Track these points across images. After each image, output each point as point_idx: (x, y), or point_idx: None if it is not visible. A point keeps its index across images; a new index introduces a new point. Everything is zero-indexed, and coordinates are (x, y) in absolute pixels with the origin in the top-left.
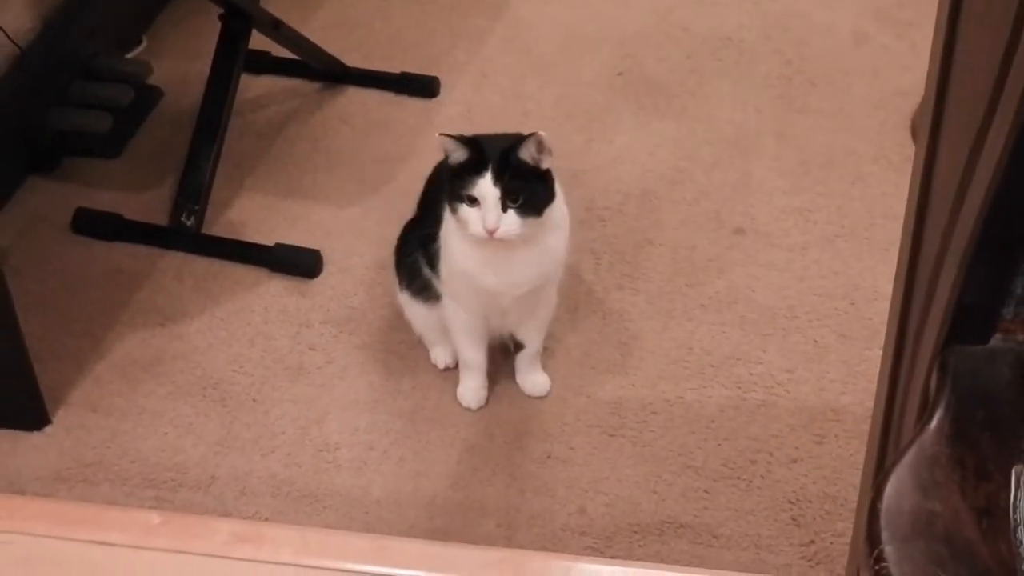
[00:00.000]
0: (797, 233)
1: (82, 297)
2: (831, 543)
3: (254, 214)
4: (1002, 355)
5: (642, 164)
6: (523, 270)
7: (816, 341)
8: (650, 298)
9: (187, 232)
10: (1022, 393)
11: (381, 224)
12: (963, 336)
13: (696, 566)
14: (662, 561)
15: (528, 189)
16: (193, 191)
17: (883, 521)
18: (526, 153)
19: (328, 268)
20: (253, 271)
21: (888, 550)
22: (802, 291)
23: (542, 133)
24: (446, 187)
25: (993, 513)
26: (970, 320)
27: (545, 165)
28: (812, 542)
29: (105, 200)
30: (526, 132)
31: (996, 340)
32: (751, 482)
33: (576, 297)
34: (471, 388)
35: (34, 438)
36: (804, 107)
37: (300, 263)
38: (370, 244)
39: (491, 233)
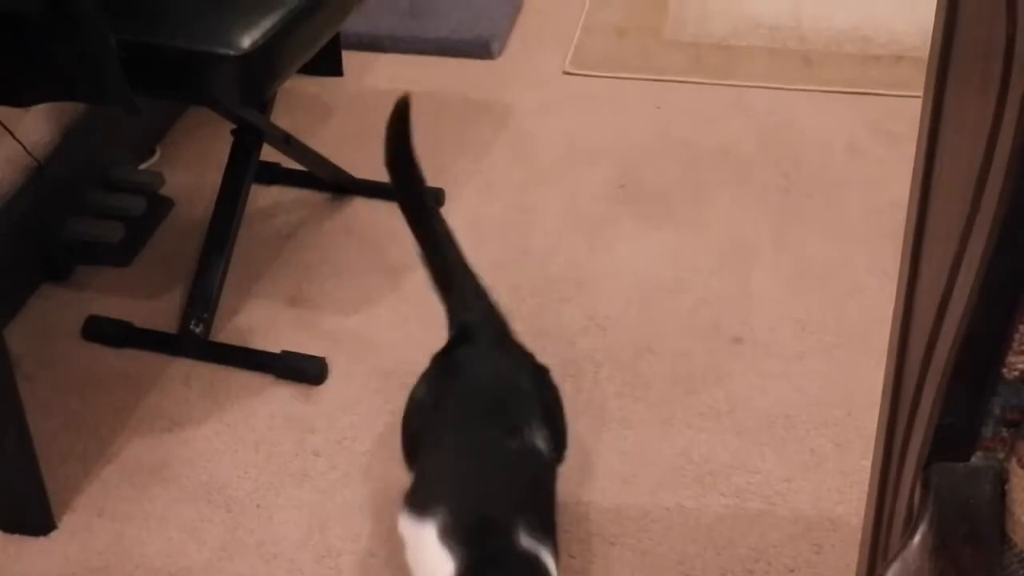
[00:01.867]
0: (794, 342)
1: (91, 401)
2: None
3: (261, 321)
4: (983, 472)
5: (642, 273)
6: None
7: (813, 450)
8: (649, 406)
9: (195, 339)
10: (1002, 509)
11: (385, 331)
12: (945, 453)
13: None
14: None
15: None
16: (202, 299)
17: None
18: None
19: (333, 375)
20: (259, 377)
21: None
22: (799, 400)
23: None
24: None
25: None
26: (951, 438)
27: None
28: None
29: (116, 307)
30: (529, 254)
31: (977, 457)
32: None
33: (576, 405)
34: None
35: (40, 543)
36: (801, 217)
37: (306, 370)
38: (375, 351)
39: None
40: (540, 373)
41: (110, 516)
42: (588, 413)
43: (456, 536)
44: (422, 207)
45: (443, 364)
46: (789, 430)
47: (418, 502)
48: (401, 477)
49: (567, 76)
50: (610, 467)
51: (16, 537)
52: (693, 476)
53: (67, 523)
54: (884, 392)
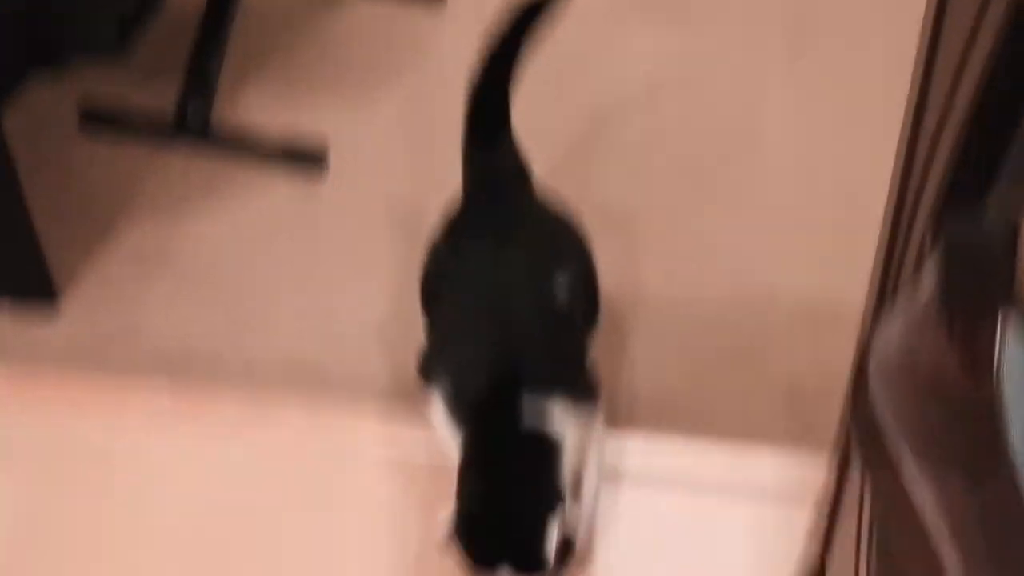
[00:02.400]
0: (804, 136)
1: (90, 193)
2: (823, 425)
3: (261, 111)
4: (994, 223)
5: (650, 68)
6: None
7: (819, 241)
8: (656, 197)
9: (194, 128)
10: (1011, 252)
11: (389, 126)
12: (959, 203)
13: (690, 444)
14: (657, 439)
15: (551, 563)
16: (200, 86)
17: (872, 365)
18: (550, 543)
19: (335, 166)
20: (259, 168)
21: (875, 389)
22: (808, 194)
23: (554, 530)
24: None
25: (978, 363)
26: (966, 183)
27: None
28: (803, 424)
29: (112, 96)
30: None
31: (990, 202)
32: (748, 368)
33: (583, 193)
34: None
35: (45, 324)
36: (816, 15)
37: (307, 160)
38: (379, 144)
39: None
40: (568, 224)
41: (114, 300)
42: (594, 205)
43: (459, 412)
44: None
45: (465, 209)
46: (796, 222)
47: (427, 369)
48: (401, 258)
49: None
50: (616, 256)
51: (23, 312)
52: (697, 263)
53: (71, 306)
54: (900, 141)
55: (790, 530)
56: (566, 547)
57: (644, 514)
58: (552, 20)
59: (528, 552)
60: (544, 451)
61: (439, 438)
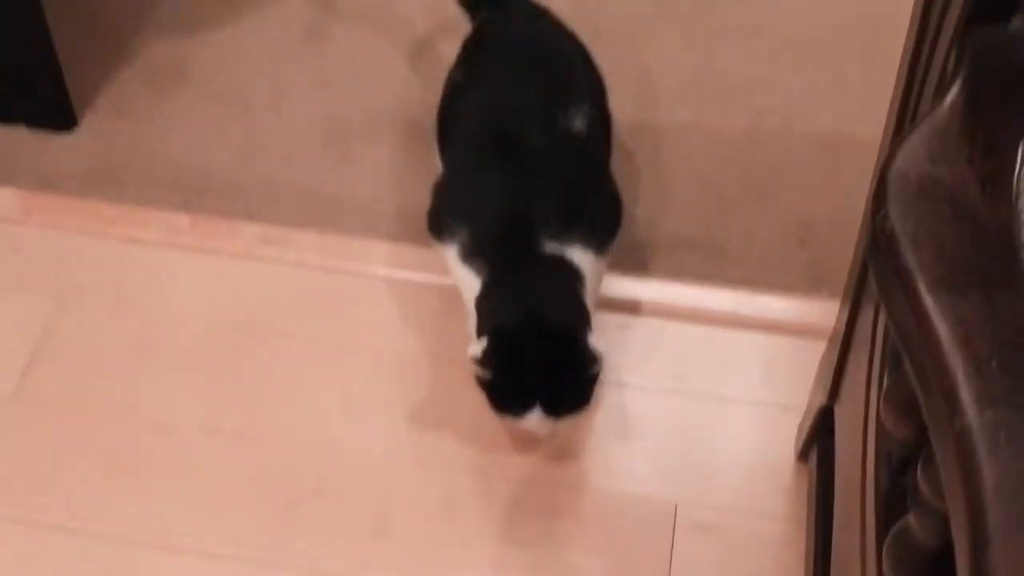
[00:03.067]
0: None
1: (105, 8)
2: (835, 264)
3: None
4: (1021, 36)
5: None
6: None
7: (837, 73)
8: (670, 20)
9: None
10: None
11: None
12: (984, 17)
13: (705, 281)
14: (673, 276)
15: (582, 395)
16: None
17: (891, 184)
18: (596, 353)
19: None
20: None
21: (894, 210)
22: (826, 24)
23: (600, 347)
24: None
25: (997, 181)
26: (991, 1)
27: (599, 369)
28: (817, 263)
29: None
30: None
31: (1016, 22)
32: (763, 204)
33: (596, 19)
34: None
35: (63, 139)
36: None
37: None
38: None
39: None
40: (582, 54)
41: (130, 115)
42: (610, 27)
43: (478, 257)
44: None
45: (475, 42)
46: (814, 52)
47: (438, 224)
48: (424, 74)
49: None
50: (628, 84)
51: (41, 133)
52: (714, 93)
53: (88, 121)
54: None
55: (804, 363)
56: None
57: (664, 344)
58: None
59: (569, 369)
60: (567, 275)
61: (456, 284)
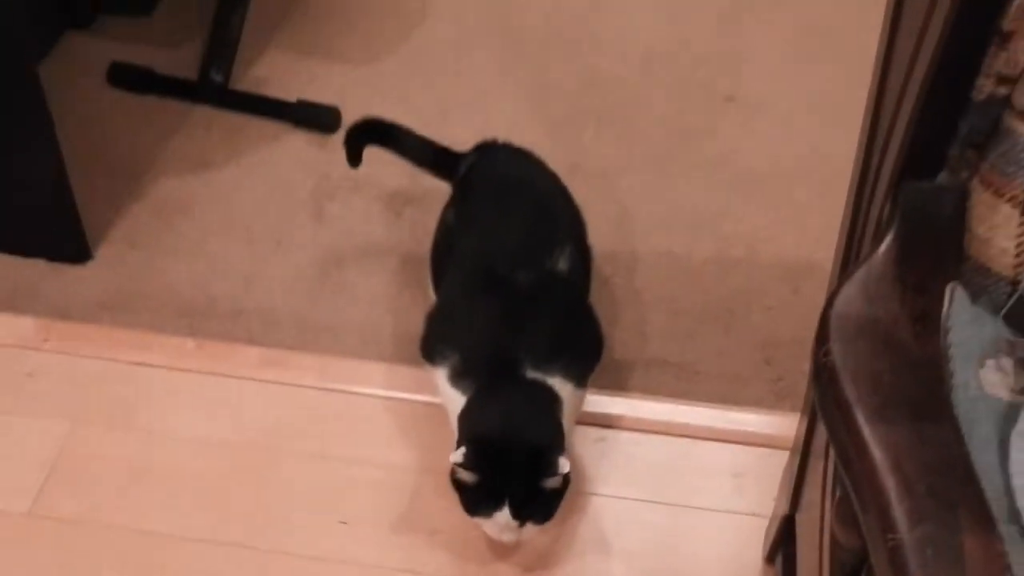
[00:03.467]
0: (784, 101)
1: (119, 145)
2: (797, 380)
3: (278, 71)
4: (947, 190)
5: (643, 33)
6: None
7: (796, 202)
8: (645, 159)
9: (215, 87)
10: (960, 223)
11: (397, 83)
12: (915, 172)
13: (677, 398)
14: (649, 393)
15: (546, 505)
16: (221, 48)
17: (832, 324)
18: (551, 483)
19: (346, 123)
20: (277, 124)
21: (835, 347)
22: (786, 156)
23: (565, 461)
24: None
25: (927, 320)
26: (921, 157)
27: (566, 482)
28: (781, 379)
29: (138, 55)
30: (531, 9)
31: (942, 177)
32: (730, 326)
33: (575, 156)
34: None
35: (78, 271)
36: None
37: (320, 119)
38: (387, 101)
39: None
40: (564, 196)
41: (142, 248)
42: (586, 164)
43: (465, 381)
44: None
45: (465, 184)
46: (774, 184)
47: (430, 350)
48: (410, 218)
49: None
50: (606, 214)
51: (58, 265)
52: (683, 224)
53: (102, 253)
54: (864, 115)
55: (771, 473)
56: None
57: (640, 456)
58: None
59: (536, 479)
60: (546, 399)
61: (443, 403)
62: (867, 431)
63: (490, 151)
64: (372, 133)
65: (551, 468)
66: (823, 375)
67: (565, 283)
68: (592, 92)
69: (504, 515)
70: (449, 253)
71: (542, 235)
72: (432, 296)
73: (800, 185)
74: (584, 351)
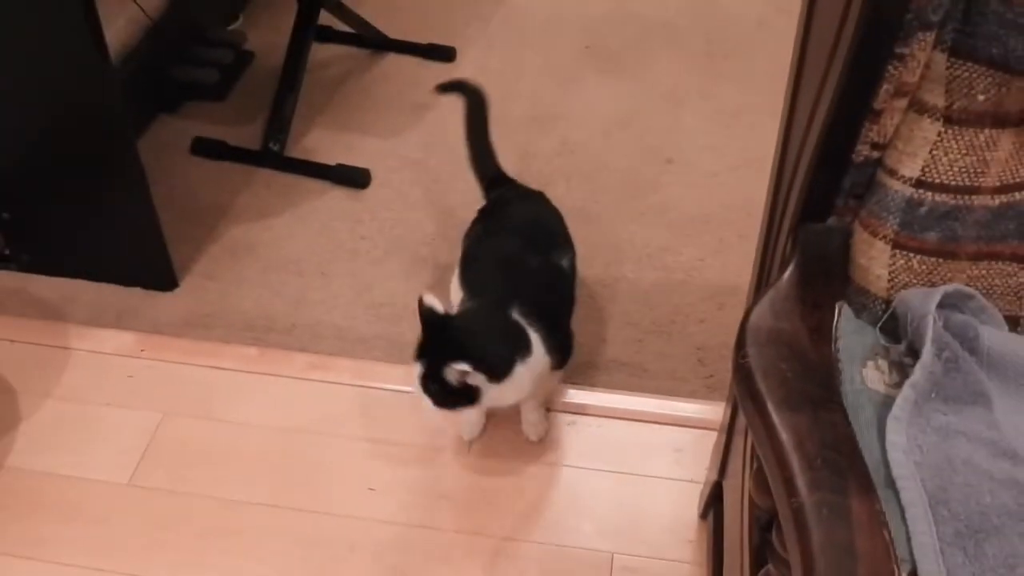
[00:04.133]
0: (711, 163)
1: (199, 200)
2: (724, 377)
3: (322, 143)
4: (835, 230)
5: (601, 111)
6: (477, 414)
7: (722, 240)
8: (605, 207)
9: (273, 155)
10: (846, 255)
11: (413, 152)
12: (810, 217)
13: (631, 391)
14: (609, 387)
15: (445, 393)
16: (278, 126)
17: (748, 334)
18: (449, 375)
19: (375, 182)
20: (320, 183)
21: (750, 351)
22: (713, 204)
23: (466, 368)
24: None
25: (821, 331)
26: (814, 207)
27: (471, 382)
28: (711, 376)
29: (214, 132)
30: (519, 97)
31: (832, 220)
32: (671, 335)
33: (563, 205)
34: (468, 427)
35: (167, 296)
36: (720, 73)
37: (355, 178)
38: (406, 166)
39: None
40: (561, 222)
41: (217, 279)
42: (561, 210)
43: (465, 289)
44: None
45: (486, 212)
46: (705, 225)
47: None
48: (424, 254)
49: None
50: (576, 250)
51: (152, 292)
52: (634, 256)
53: (186, 284)
54: (771, 175)
55: (704, 449)
56: (465, 391)
57: (603, 436)
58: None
59: (441, 365)
60: (513, 334)
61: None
62: (775, 417)
63: (515, 185)
64: (468, 93)
65: (453, 362)
66: (741, 373)
67: (561, 273)
68: (564, 156)
69: (419, 369)
70: (476, 255)
71: (547, 243)
72: (456, 291)
73: (724, 227)
74: (563, 337)
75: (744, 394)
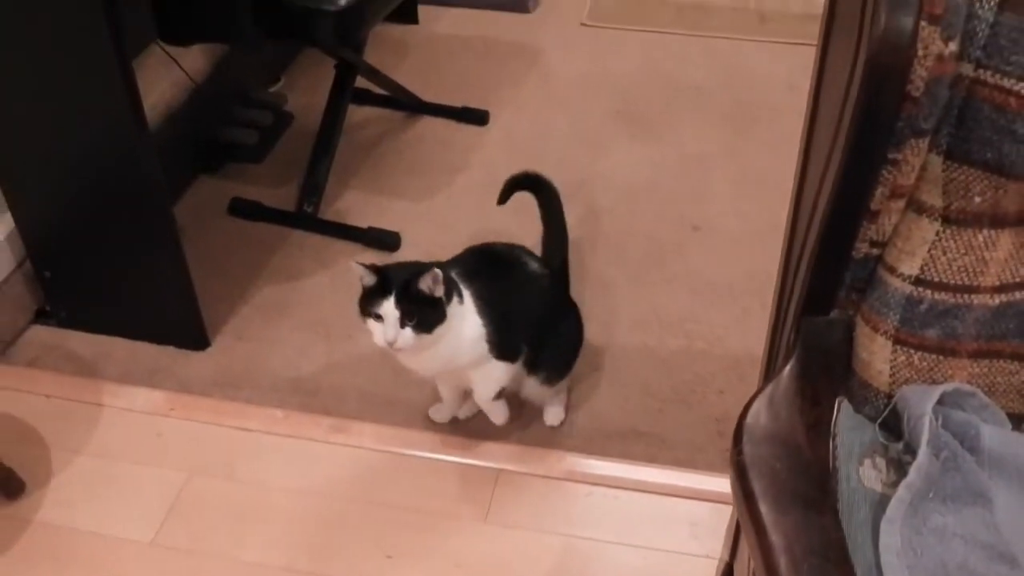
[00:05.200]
0: (737, 229)
1: (234, 259)
2: None
3: (355, 205)
4: (837, 323)
5: (629, 176)
6: (428, 363)
7: (745, 308)
8: (629, 273)
9: (308, 216)
10: (848, 349)
11: (444, 215)
12: (812, 310)
13: (648, 462)
14: (626, 458)
15: (421, 312)
16: (313, 188)
17: (744, 430)
18: (423, 284)
19: (405, 244)
20: (352, 245)
21: (745, 448)
22: (738, 272)
23: (437, 270)
24: (358, 303)
25: (819, 428)
26: (817, 300)
27: (438, 294)
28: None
29: (252, 192)
30: (547, 160)
31: (834, 313)
32: (691, 405)
33: (576, 271)
34: (438, 408)
35: (199, 356)
36: (748, 137)
37: (385, 241)
38: (436, 228)
39: (390, 344)
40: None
41: (247, 339)
42: (585, 278)
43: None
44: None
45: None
46: (729, 293)
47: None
48: None
49: (584, 27)
50: (598, 316)
51: (184, 351)
52: (656, 324)
53: (217, 343)
54: (779, 266)
55: (721, 524)
56: (435, 307)
57: (618, 508)
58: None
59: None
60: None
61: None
62: (767, 518)
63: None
64: (528, 183)
65: (426, 275)
66: (736, 470)
67: (534, 287)
68: (590, 221)
69: (389, 305)
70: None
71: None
72: (519, 361)
73: (748, 296)
74: (511, 337)
75: (738, 492)
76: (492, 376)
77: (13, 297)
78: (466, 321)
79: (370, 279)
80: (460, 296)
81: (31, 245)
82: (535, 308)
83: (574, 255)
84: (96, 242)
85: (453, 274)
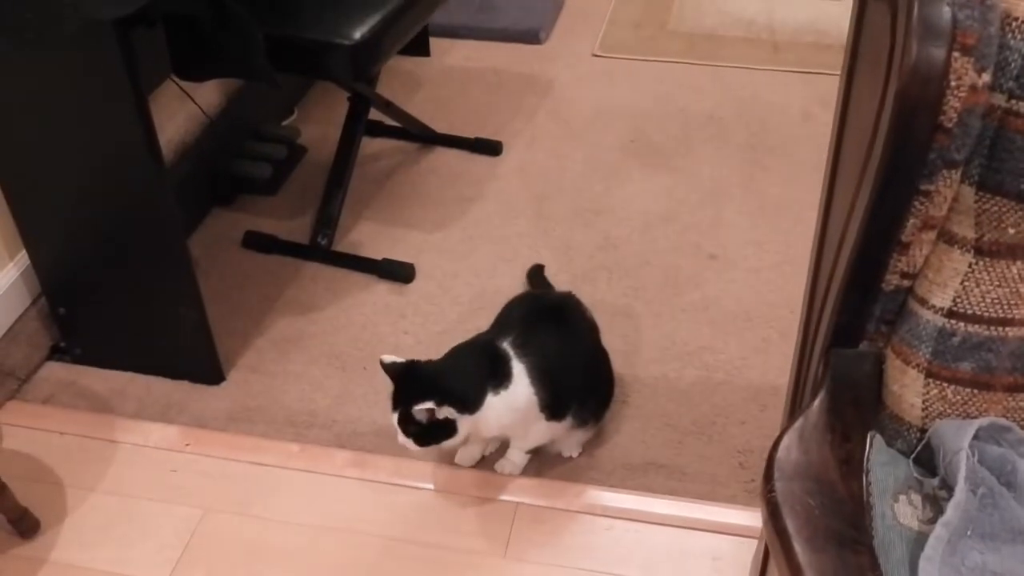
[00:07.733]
0: (754, 259)
1: (248, 292)
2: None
3: (369, 237)
4: (866, 356)
5: (644, 206)
6: (473, 435)
7: (764, 338)
8: (646, 303)
9: (321, 249)
10: (878, 382)
11: (458, 246)
12: (841, 342)
13: (669, 495)
14: (646, 490)
15: (425, 431)
16: (326, 220)
17: (775, 466)
18: (419, 416)
19: (419, 276)
20: (366, 277)
21: (777, 485)
22: (756, 301)
23: (431, 406)
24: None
25: (851, 463)
26: (845, 332)
27: (440, 417)
28: (752, 480)
29: (265, 225)
30: (562, 191)
31: (863, 345)
32: (711, 437)
33: (593, 302)
34: (465, 453)
35: (213, 390)
36: (763, 167)
37: (399, 272)
38: (450, 259)
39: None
40: (594, 329)
41: (262, 373)
42: (601, 308)
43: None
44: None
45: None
46: (747, 323)
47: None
48: None
49: (595, 58)
50: (616, 347)
51: (199, 386)
52: (675, 354)
53: (232, 377)
54: (804, 298)
55: (745, 558)
56: (441, 425)
57: (638, 542)
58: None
59: (410, 405)
60: (495, 370)
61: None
62: (801, 558)
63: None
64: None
65: (417, 403)
66: (769, 508)
67: (579, 341)
68: (606, 251)
69: (395, 418)
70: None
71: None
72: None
73: (767, 325)
74: (565, 397)
75: (771, 530)
76: (539, 435)
77: (28, 334)
78: (517, 396)
79: (390, 380)
80: (508, 378)
81: (46, 282)
82: (585, 363)
83: (590, 285)
84: (111, 277)
85: (506, 344)
